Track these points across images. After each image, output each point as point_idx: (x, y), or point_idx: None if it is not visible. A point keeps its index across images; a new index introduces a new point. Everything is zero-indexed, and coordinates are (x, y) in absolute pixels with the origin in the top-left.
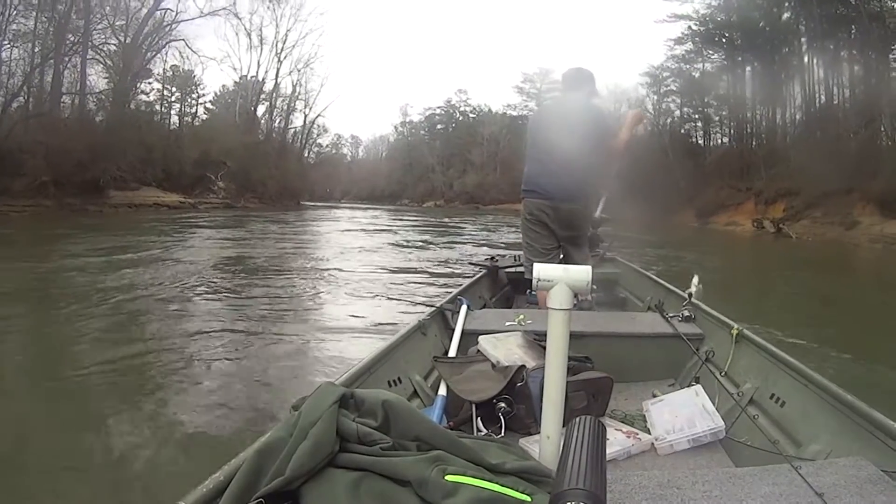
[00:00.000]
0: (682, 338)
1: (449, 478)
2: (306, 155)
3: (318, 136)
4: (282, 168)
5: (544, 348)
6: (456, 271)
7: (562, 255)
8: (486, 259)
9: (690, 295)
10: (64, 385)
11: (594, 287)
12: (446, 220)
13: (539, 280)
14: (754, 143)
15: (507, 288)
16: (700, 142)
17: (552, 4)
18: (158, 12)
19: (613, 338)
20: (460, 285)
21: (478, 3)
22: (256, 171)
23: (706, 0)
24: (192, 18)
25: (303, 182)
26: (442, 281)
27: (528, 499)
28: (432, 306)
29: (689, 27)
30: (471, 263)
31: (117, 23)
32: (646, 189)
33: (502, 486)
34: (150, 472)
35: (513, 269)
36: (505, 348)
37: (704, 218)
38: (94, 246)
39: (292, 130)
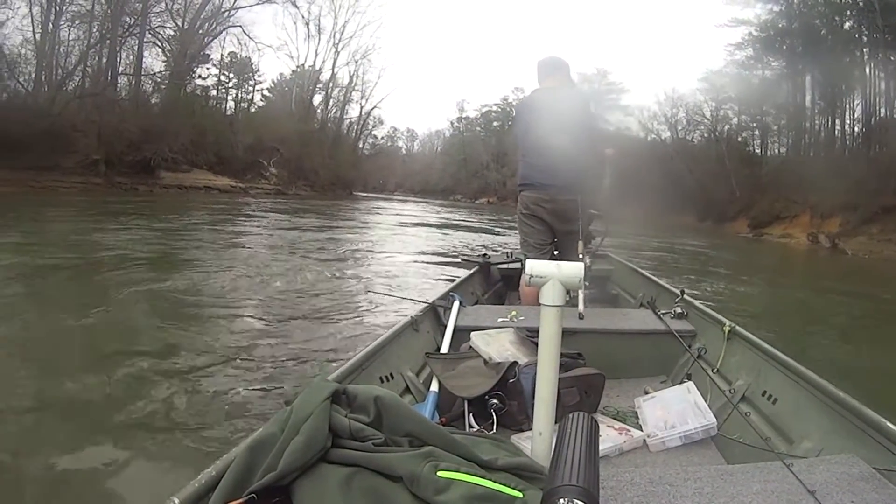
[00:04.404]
0: (674, 335)
1: (441, 474)
2: (361, 146)
3: (373, 127)
4: (335, 157)
5: (536, 345)
6: None
7: (556, 251)
8: (479, 255)
9: (683, 292)
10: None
11: (586, 283)
12: (502, 218)
13: (532, 276)
14: (812, 153)
15: (500, 284)
16: (757, 151)
17: (613, 5)
18: None
19: (606, 334)
20: (453, 281)
21: (538, 2)
22: (310, 160)
23: (768, 5)
24: (251, 6)
25: (356, 172)
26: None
27: (520, 495)
28: (425, 302)
29: (750, 33)
30: (463, 259)
31: (175, 7)
32: (699, 196)
33: (494, 482)
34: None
35: (505, 266)
36: (497, 344)
37: (758, 229)
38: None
39: (348, 121)
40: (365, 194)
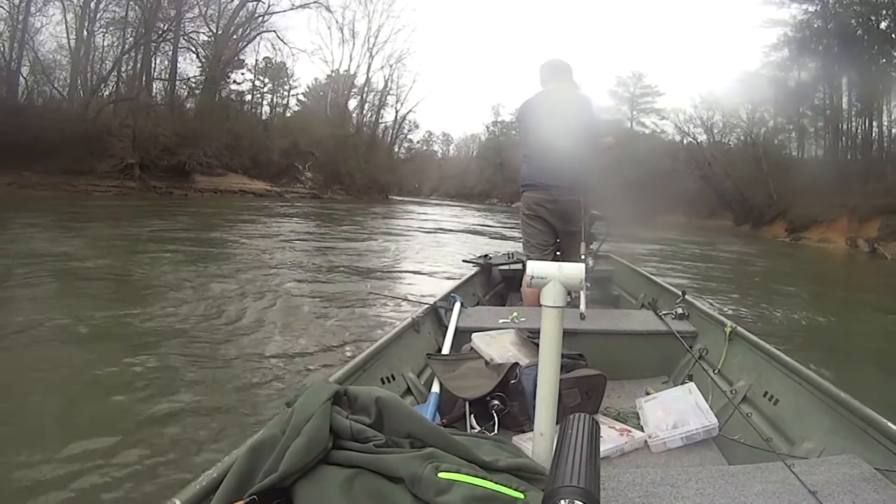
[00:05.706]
0: (675, 335)
1: (442, 475)
2: (396, 150)
3: (408, 131)
4: (371, 162)
5: (538, 346)
6: None
7: (558, 252)
8: (480, 256)
9: (684, 293)
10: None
11: (588, 284)
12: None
13: (533, 277)
14: (849, 156)
15: (501, 285)
16: (794, 154)
17: (645, 6)
18: (250, 3)
19: (607, 335)
20: (455, 282)
21: (572, 4)
22: (345, 164)
23: (803, 6)
24: (284, 11)
25: (392, 176)
26: None
27: (522, 496)
28: (426, 303)
29: (786, 33)
30: (464, 261)
31: (208, 12)
32: (737, 199)
33: (495, 483)
34: None
35: (507, 267)
36: (498, 346)
37: (796, 233)
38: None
39: (383, 125)
40: (401, 198)
